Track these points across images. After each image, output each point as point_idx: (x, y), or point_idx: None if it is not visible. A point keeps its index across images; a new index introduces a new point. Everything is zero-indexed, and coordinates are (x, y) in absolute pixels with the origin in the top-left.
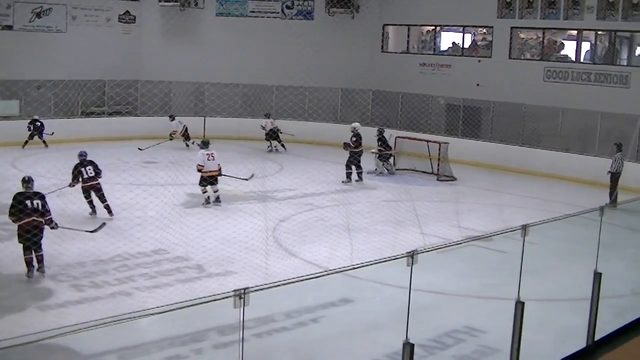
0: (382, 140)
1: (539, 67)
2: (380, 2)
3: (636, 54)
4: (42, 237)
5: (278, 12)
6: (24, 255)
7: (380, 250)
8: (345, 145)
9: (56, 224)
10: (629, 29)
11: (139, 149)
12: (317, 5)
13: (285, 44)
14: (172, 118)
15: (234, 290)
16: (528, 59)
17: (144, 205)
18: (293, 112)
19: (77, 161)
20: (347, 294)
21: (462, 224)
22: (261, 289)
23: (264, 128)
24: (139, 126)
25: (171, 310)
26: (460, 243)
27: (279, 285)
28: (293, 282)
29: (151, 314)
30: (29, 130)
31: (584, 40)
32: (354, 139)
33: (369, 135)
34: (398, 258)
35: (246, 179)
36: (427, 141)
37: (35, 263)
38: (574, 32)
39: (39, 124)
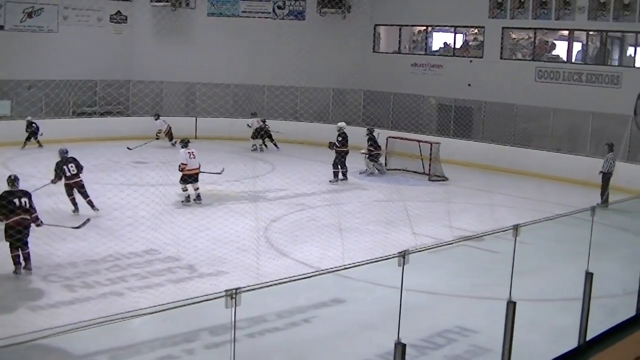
0: (372, 140)
1: (530, 67)
2: (372, 3)
3: (627, 54)
4: (28, 235)
5: (269, 12)
6: (11, 253)
7: (372, 250)
8: (331, 145)
9: (41, 221)
10: (620, 29)
11: (128, 148)
12: (309, 5)
13: (276, 44)
14: (157, 117)
15: (226, 291)
16: (519, 59)
17: (135, 205)
18: (284, 112)
19: (59, 159)
20: (338, 294)
21: (454, 224)
22: (253, 289)
23: (250, 127)
24: (131, 126)
25: (163, 310)
26: (452, 243)
27: (270, 285)
28: (285, 282)
29: (143, 314)
30: (27, 131)
31: (576, 41)
32: (339, 138)
33: (359, 135)
34: (389, 258)
35: (219, 173)
36: (419, 141)
37: (22, 261)
38: (566, 33)
39: (35, 125)
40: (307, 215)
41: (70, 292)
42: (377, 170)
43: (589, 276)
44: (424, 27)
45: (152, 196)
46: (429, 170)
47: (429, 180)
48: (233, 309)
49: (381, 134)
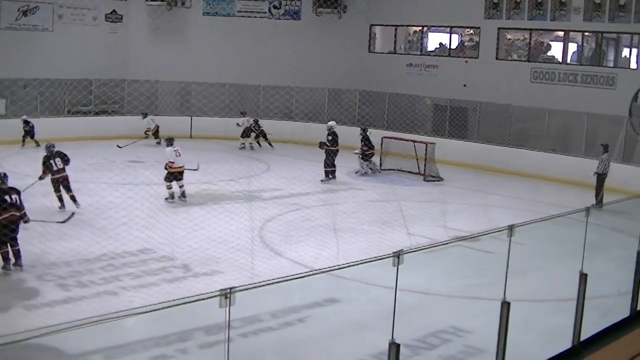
0: (365, 139)
1: (525, 68)
2: (368, 3)
3: (622, 55)
4: (18, 232)
5: (265, 12)
6: (0, 250)
7: (367, 250)
8: (322, 144)
9: (28, 217)
10: (615, 31)
11: (118, 146)
12: (304, 5)
13: (272, 43)
14: (145, 116)
15: (220, 290)
16: (515, 59)
17: (130, 204)
18: (280, 111)
19: (46, 153)
20: (333, 294)
21: (449, 224)
22: (247, 289)
23: (239, 126)
24: (125, 125)
25: (157, 309)
26: (447, 243)
27: (265, 285)
28: (279, 281)
29: (137, 314)
30: (24, 130)
31: (571, 42)
32: (329, 137)
33: (355, 135)
34: (384, 258)
35: (195, 169)
36: (414, 141)
37: (11, 257)
38: (561, 33)
39: (30, 124)
40: (302, 215)
41: (65, 291)
42: (370, 170)
43: (583, 277)
44: (420, 28)
45: (147, 195)
46: (424, 170)
47: (424, 180)
48: (227, 308)
49: (376, 134)
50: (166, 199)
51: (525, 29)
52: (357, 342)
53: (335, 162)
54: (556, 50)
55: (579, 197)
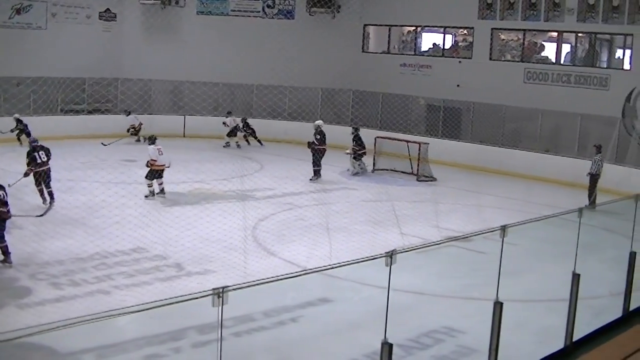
0: (357, 139)
1: (519, 69)
2: (361, 2)
3: (616, 56)
4: (5, 229)
5: (259, 11)
6: None
7: (360, 250)
8: (310, 144)
9: (11, 214)
10: (609, 32)
11: (103, 144)
12: (298, 4)
13: (265, 43)
14: (128, 113)
15: (213, 289)
16: (508, 60)
17: (123, 203)
18: (273, 111)
19: (29, 148)
20: (326, 293)
21: (442, 225)
22: (240, 288)
23: (227, 126)
24: (118, 124)
25: (150, 308)
26: (440, 243)
27: (257, 284)
28: (272, 281)
29: (130, 313)
30: (17, 129)
31: (564, 42)
32: (318, 136)
33: (348, 134)
34: (377, 258)
35: (167, 167)
36: (407, 141)
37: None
38: (555, 34)
39: (23, 122)
40: (295, 215)
41: (57, 290)
42: (361, 170)
43: (576, 277)
44: (414, 28)
45: (140, 194)
46: (417, 170)
47: (417, 180)
48: (220, 307)
49: (370, 134)
50: (146, 196)
51: (518, 30)
52: (350, 341)
53: (323, 162)
54: (550, 51)
55: (572, 198)
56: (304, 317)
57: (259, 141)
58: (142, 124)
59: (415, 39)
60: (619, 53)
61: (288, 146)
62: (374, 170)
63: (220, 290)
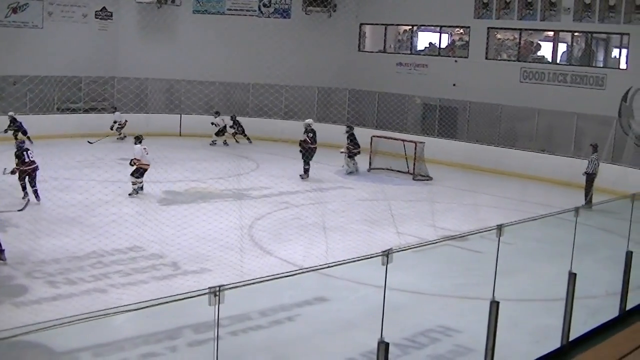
0: (351, 137)
1: (515, 68)
2: (357, 2)
3: (612, 55)
4: None
5: (255, 10)
6: None
7: (356, 249)
8: (302, 143)
9: None
10: (605, 31)
11: (89, 142)
12: (294, 3)
13: (262, 42)
14: (114, 110)
15: (209, 288)
16: (504, 59)
17: (120, 202)
18: (269, 110)
19: (17, 148)
20: (322, 292)
21: (438, 224)
22: (236, 287)
23: (217, 126)
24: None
25: (146, 307)
26: (436, 242)
27: (254, 283)
28: (268, 280)
29: (126, 311)
30: (12, 128)
31: (561, 42)
32: (311, 134)
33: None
34: (373, 257)
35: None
36: (403, 141)
37: None
38: (551, 33)
39: (18, 122)
40: (292, 214)
41: (54, 288)
42: (356, 169)
43: (572, 277)
44: (410, 27)
45: (138, 194)
46: (414, 169)
47: (413, 179)
48: (216, 306)
49: (366, 133)
50: (130, 194)
51: (515, 29)
52: (346, 340)
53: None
54: (546, 50)
55: (568, 197)
56: (301, 316)
57: (247, 139)
58: (127, 121)
59: (412, 38)
60: (615, 52)
61: (284, 145)
62: (370, 169)
63: (217, 289)
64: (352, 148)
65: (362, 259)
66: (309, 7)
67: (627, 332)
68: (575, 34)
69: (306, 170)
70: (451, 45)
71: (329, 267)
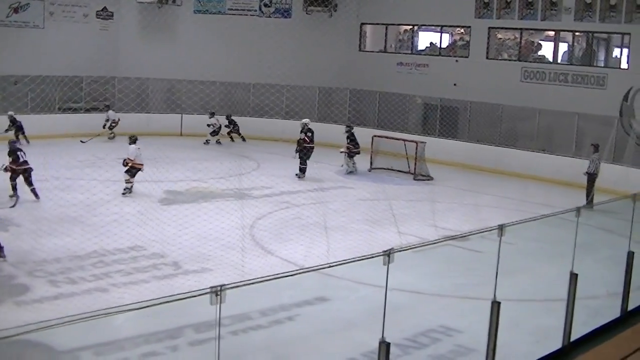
0: (351, 137)
1: (516, 68)
2: (358, 1)
3: (613, 55)
4: None
5: (256, 10)
6: None
7: (357, 249)
8: (302, 142)
9: None
10: (606, 31)
11: (81, 141)
12: (295, 3)
13: (262, 42)
14: (107, 108)
15: (211, 287)
16: (505, 59)
17: (121, 201)
18: (270, 110)
19: (10, 148)
20: (323, 292)
21: (439, 224)
22: (237, 287)
23: (214, 127)
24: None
25: (147, 306)
26: (437, 242)
27: (255, 282)
28: (269, 279)
29: (127, 310)
30: (12, 128)
31: (562, 41)
32: (309, 134)
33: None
34: (374, 257)
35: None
36: (404, 140)
37: None
38: (552, 33)
39: (18, 121)
40: (293, 214)
41: (55, 287)
42: (355, 169)
43: (573, 277)
44: (410, 27)
45: (138, 193)
46: (414, 169)
47: (414, 179)
48: (218, 305)
49: (367, 133)
50: (123, 193)
51: (515, 29)
52: (346, 340)
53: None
54: (547, 50)
55: (568, 197)
56: (301, 316)
57: (242, 137)
58: (119, 119)
59: (412, 37)
60: (616, 52)
61: (285, 145)
62: (371, 169)
63: (219, 288)
64: (352, 148)
65: (363, 259)
66: (309, 7)
67: (628, 332)
68: (576, 33)
69: (303, 170)
70: (452, 45)
71: (329, 267)
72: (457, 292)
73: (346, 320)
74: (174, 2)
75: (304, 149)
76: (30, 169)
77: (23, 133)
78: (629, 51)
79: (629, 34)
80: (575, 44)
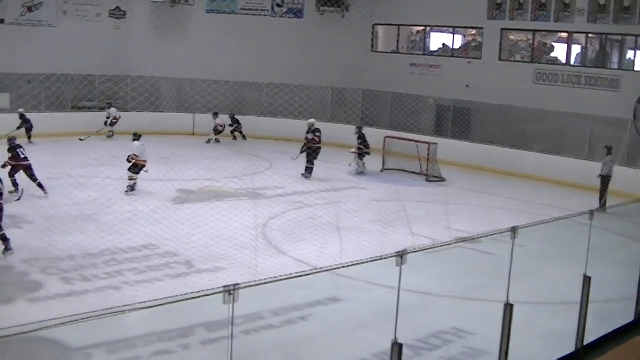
0: (361, 138)
1: (529, 70)
2: (371, 2)
3: (627, 57)
4: (1, 219)
5: (268, 10)
6: None
7: (370, 250)
8: (311, 142)
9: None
10: (619, 32)
11: (80, 139)
12: (307, 3)
13: (275, 42)
14: (110, 105)
15: (224, 287)
16: (518, 61)
17: (135, 199)
18: (283, 110)
19: (9, 145)
20: (335, 292)
21: (451, 225)
22: (250, 286)
23: (220, 126)
24: (129, 121)
25: (159, 305)
26: (449, 244)
27: (268, 282)
28: (282, 279)
29: (139, 309)
30: (23, 126)
31: (575, 43)
32: (318, 134)
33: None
34: (387, 258)
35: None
36: (417, 142)
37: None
38: (565, 35)
39: (28, 119)
40: (305, 214)
41: (68, 285)
42: (365, 170)
43: (587, 280)
44: (423, 28)
45: (152, 192)
46: (427, 171)
47: (427, 181)
48: (231, 305)
49: (379, 134)
50: (126, 192)
51: (528, 30)
52: (358, 341)
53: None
54: (560, 51)
55: (581, 200)
56: (313, 316)
57: (243, 136)
58: (120, 117)
59: (425, 39)
60: (630, 54)
61: (297, 145)
62: (383, 170)
63: (232, 287)
64: (363, 148)
65: (376, 260)
66: (322, 7)
67: None
68: (590, 35)
69: (310, 170)
70: (464, 46)
71: (342, 267)
72: (469, 294)
73: (358, 321)
74: (187, 2)
75: (313, 149)
76: (30, 166)
77: (30, 131)
78: None
79: None
80: (589, 45)
